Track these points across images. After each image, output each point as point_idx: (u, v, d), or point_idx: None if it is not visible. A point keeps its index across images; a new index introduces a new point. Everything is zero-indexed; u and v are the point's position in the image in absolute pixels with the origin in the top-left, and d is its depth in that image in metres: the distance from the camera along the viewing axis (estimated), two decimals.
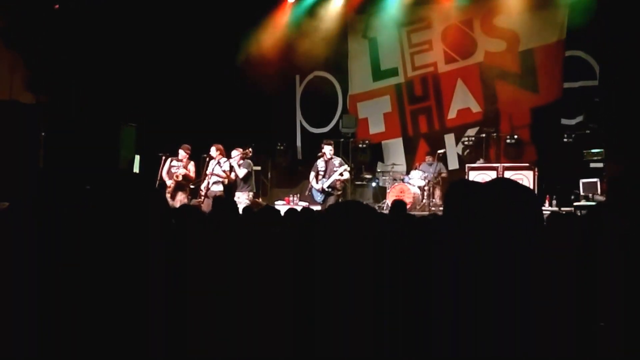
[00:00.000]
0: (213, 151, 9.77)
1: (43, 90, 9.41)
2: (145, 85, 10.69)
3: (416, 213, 9.62)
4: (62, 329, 2.29)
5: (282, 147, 12.49)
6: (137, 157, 10.27)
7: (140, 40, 10.51)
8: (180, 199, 9.61)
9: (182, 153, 9.79)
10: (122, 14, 10.18)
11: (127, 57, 10.37)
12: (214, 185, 9.60)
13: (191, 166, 9.86)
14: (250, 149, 9.68)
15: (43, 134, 8.64)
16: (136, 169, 10.20)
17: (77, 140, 9.14)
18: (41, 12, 9.51)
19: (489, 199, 1.76)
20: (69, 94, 9.56)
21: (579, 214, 8.29)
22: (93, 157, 8.86)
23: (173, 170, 9.72)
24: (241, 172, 9.40)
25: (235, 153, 9.54)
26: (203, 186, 9.72)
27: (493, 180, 1.90)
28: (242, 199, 9.37)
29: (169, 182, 9.66)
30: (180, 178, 9.64)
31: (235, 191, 9.66)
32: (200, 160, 9.92)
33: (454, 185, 2.03)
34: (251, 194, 9.69)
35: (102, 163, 9.14)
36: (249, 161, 9.61)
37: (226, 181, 9.68)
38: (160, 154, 9.98)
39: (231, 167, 9.44)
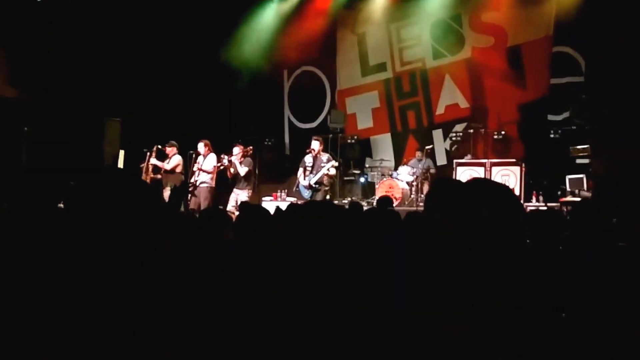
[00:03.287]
0: (200, 147, 9.78)
1: (25, 85, 9.30)
2: (129, 79, 10.61)
3: (405, 209, 9.64)
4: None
5: (269, 143, 12.47)
6: (122, 152, 10.22)
7: (125, 34, 10.42)
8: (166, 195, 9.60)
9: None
10: (106, 8, 10.09)
11: (111, 51, 10.28)
12: (202, 183, 9.62)
13: (174, 160, 9.93)
14: (251, 147, 9.81)
15: (26, 129, 8.57)
16: (120, 164, 10.15)
17: (61, 136, 9.07)
18: (24, 6, 9.40)
19: (470, 198, 1.75)
20: (52, 89, 9.47)
21: (565, 209, 8.35)
22: (77, 152, 8.82)
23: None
24: (242, 170, 9.58)
25: (237, 150, 9.68)
26: (190, 182, 9.71)
27: (473, 180, 1.89)
28: (242, 196, 9.55)
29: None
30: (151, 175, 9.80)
31: (233, 188, 9.73)
32: (187, 156, 9.88)
33: (435, 184, 2.03)
34: (250, 192, 9.79)
35: (86, 158, 9.10)
36: (250, 159, 9.75)
37: (214, 176, 9.71)
38: (145, 150, 9.96)
39: (230, 163, 9.53)
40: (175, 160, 9.91)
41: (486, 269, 1.62)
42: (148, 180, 9.56)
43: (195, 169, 9.71)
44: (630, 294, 1.74)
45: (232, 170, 9.63)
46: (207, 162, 9.75)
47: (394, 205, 8.77)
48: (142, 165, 9.85)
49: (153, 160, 9.83)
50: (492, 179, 9.95)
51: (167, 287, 2.34)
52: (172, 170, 9.86)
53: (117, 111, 10.22)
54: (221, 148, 10.00)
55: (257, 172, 12.02)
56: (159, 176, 9.81)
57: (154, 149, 9.85)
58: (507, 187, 1.85)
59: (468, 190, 1.82)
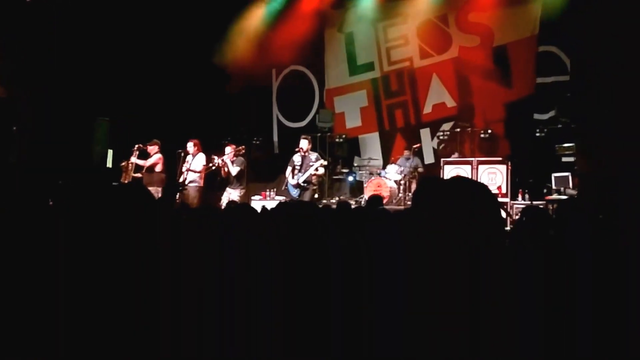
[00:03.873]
0: (190, 146, 9.77)
1: (15, 84, 9.25)
2: (119, 79, 10.57)
3: (393, 207, 9.72)
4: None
5: (258, 142, 12.49)
6: (110, 152, 10.19)
7: (114, 33, 10.39)
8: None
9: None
10: (95, 8, 10.06)
11: (101, 50, 10.24)
12: (191, 183, 9.62)
13: (153, 158, 9.92)
14: (243, 147, 9.83)
15: (15, 128, 8.53)
16: (109, 164, 10.13)
17: (50, 135, 9.04)
18: (13, 5, 9.34)
19: (456, 196, 1.79)
20: (41, 88, 9.42)
21: (550, 207, 8.46)
22: (66, 151, 8.79)
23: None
24: (234, 170, 9.61)
25: (229, 150, 9.70)
26: (179, 182, 9.70)
27: (454, 178, 1.93)
28: (234, 195, 9.57)
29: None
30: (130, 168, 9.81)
31: (228, 187, 9.76)
32: (176, 155, 9.86)
33: (422, 183, 2.08)
34: (243, 191, 9.81)
35: (75, 158, 9.07)
36: (242, 159, 9.78)
37: (203, 176, 9.72)
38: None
39: (223, 162, 9.55)
40: (154, 158, 9.87)
41: (478, 266, 1.67)
42: (128, 180, 9.59)
43: (184, 169, 9.70)
44: (630, 293, 1.78)
45: (225, 169, 9.67)
46: (196, 161, 9.74)
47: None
48: (123, 164, 9.82)
49: (134, 159, 9.80)
50: (479, 177, 10.08)
51: (165, 285, 2.37)
52: (152, 169, 9.83)
53: (106, 110, 10.19)
54: (210, 147, 10.01)
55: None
56: (139, 175, 9.78)
57: (136, 147, 9.83)
58: (485, 185, 1.90)
59: (453, 188, 1.86)
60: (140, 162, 9.85)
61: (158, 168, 9.84)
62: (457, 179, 1.90)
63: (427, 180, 2.33)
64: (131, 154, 9.82)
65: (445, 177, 9.95)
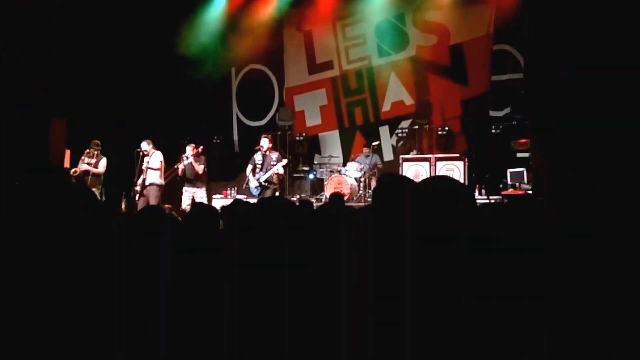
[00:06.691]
0: (144, 145, 9.69)
1: None
2: (76, 78, 10.36)
3: (353, 204, 9.80)
4: None
5: (218, 140, 12.43)
6: (68, 152, 10.00)
7: (71, 31, 10.18)
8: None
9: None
10: (51, 3, 9.83)
11: (58, 48, 10.02)
12: (151, 185, 9.54)
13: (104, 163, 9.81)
14: (202, 147, 9.82)
15: None
16: (67, 164, 9.93)
17: (6, 135, 8.80)
18: None
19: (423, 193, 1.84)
20: None
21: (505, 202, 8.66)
22: (22, 152, 8.59)
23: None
24: (200, 168, 9.58)
25: (189, 150, 9.67)
26: (139, 182, 9.62)
27: (429, 179, 1.99)
28: (200, 194, 9.58)
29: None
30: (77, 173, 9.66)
31: (188, 186, 9.71)
32: (134, 155, 9.76)
33: (382, 179, 2.12)
34: (204, 190, 9.82)
35: (31, 158, 8.86)
36: (204, 157, 9.79)
37: (162, 174, 9.65)
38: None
39: (188, 162, 9.56)
40: (102, 163, 9.81)
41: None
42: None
43: (143, 166, 9.64)
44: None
45: (181, 167, 9.65)
46: (153, 159, 9.68)
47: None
48: (73, 172, 9.67)
49: (84, 166, 9.69)
50: (437, 173, 10.25)
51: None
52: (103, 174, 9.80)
53: (63, 110, 9.99)
54: (170, 146, 9.93)
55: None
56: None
57: (84, 153, 9.76)
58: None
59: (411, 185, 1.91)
60: (91, 168, 9.75)
61: (101, 169, 9.77)
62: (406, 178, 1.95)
63: (386, 177, 2.34)
64: (80, 161, 9.73)
65: (403, 173, 10.11)
